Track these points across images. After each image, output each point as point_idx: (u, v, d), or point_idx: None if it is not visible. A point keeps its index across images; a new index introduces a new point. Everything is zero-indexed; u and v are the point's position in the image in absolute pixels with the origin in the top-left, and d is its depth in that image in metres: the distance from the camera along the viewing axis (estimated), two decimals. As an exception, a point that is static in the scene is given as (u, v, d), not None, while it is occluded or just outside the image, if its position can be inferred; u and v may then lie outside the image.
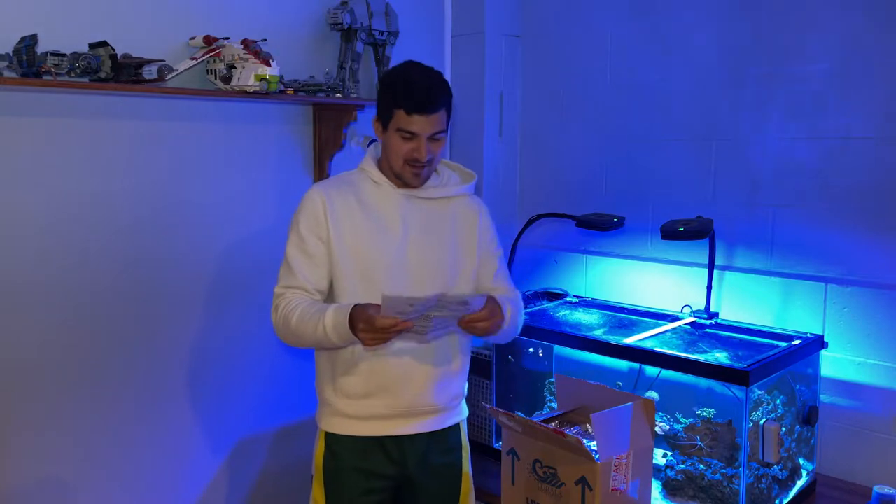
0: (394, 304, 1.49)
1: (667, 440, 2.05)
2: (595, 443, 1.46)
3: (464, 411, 1.89)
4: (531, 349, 2.36)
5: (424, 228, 1.77)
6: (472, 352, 2.33)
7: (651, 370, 2.12)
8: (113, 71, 1.88)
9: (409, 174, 1.73)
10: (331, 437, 1.78)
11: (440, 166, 1.86)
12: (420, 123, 1.67)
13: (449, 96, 1.72)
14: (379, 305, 1.52)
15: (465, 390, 1.87)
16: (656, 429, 1.94)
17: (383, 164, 1.78)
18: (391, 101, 1.68)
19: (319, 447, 1.80)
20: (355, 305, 1.60)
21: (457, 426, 1.86)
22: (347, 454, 1.76)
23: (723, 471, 1.88)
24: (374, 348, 1.68)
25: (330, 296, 1.76)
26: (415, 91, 1.66)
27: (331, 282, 1.75)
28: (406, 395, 1.74)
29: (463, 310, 1.58)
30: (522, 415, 1.60)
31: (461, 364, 1.84)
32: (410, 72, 1.72)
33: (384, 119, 1.72)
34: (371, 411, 1.74)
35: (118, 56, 1.89)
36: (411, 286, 1.71)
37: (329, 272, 1.74)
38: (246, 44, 2.07)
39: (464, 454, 1.87)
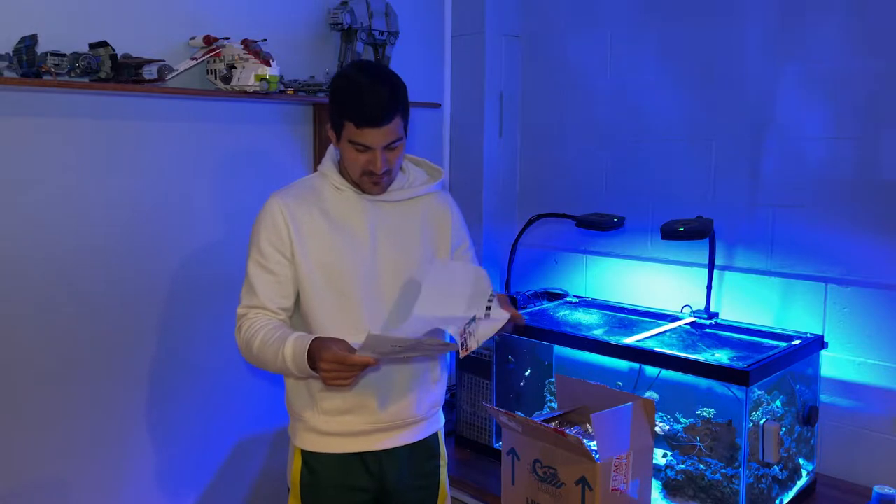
0: (376, 343, 1.40)
1: (667, 440, 2.05)
2: (595, 443, 1.46)
3: (441, 419, 1.84)
4: (531, 349, 2.36)
5: (393, 234, 1.69)
6: (473, 352, 2.31)
7: (651, 370, 2.12)
8: (113, 71, 1.88)
9: (367, 185, 1.64)
10: (307, 455, 1.71)
11: (405, 163, 1.77)
12: (372, 136, 1.56)
13: (404, 102, 1.60)
14: (342, 341, 1.47)
15: (443, 398, 1.83)
16: (656, 429, 1.94)
17: (344, 168, 1.70)
18: (340, 113, 1.58)
19: (295, 464, 1.73)
20: (315, 338, 1.51)
21: (435, 435, 1.81)
22: (326, 471, 1.70)
23: (723, 471, 1.88)
24: (338, 389, 1.61)
25: (300, 312, 1.68)
26: (364, 103, 1.54)
27: (298, 296, 1.67)
28: (386, 409, 1.69)
29: (442, 349, 1.54)
30: (522, 415, 1.59)
31: (440, 372, 1.79)
32: (359, 80, 1.57)
33: (336, 129, 1.62)
34: (350, 428, 1.68)
35: (118, 56, 1.89)
36: (384, 296, 1.66)
37: (294, 289, 1.65)
38: (246, 44, 2.07)
39: (441, 463, 1.83)
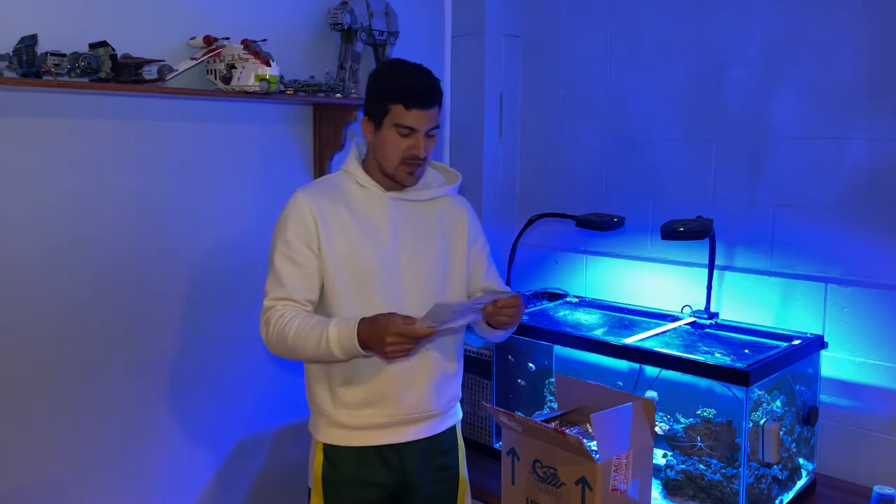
0: (441, 312, 1.50)
1: (667, 440, 2.05)
2: (595, 443, 1.46)
3: (458, 413, 1.88)
4: (531, 349, 2.36)
5: (413, 232, 1.75)
6: (473, 352, 2.33)
7: (651, 370, 2.12)
8: (113, 71, 1.88)
9: (403, 174, 1.70)
10: (329, 448, 1.75)
11: None
12: (418, 118, 1.65)
13: (442, 93, 1.71)
14: (398, 314, 1.54)
15: (460, 393, 1.86)
16: (656, 429, 1.94)
17: (369, 166, 1.75)
18: (387, 97, 1.66)
19: (317, 458, 1.76)
20: (362, 319, 1.57)
21: (453, 428, 1.85)
22: (347, 465, 1.74)
23: (723, 471, 1.88)
24: (397, 361, 1.68)
25: (322, 305, 1.72)
26: (413, 85, 1.65)
27: (321, 290, 1.71)
28: (406, 402, 1.72)
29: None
30: (522, 415, 1.60)
31: (457, 366, 1.83)
32: (405, 68, 1.70)
33: (377, 117, 1.68)
34: (370, 421, 1.72)
35: (118, 56, 1.89)
36: (404, 291, 1.71)
37: (319, 282, 1.69)
38: (246, 44, 2.07)
39: (460, 455, 1.86)
